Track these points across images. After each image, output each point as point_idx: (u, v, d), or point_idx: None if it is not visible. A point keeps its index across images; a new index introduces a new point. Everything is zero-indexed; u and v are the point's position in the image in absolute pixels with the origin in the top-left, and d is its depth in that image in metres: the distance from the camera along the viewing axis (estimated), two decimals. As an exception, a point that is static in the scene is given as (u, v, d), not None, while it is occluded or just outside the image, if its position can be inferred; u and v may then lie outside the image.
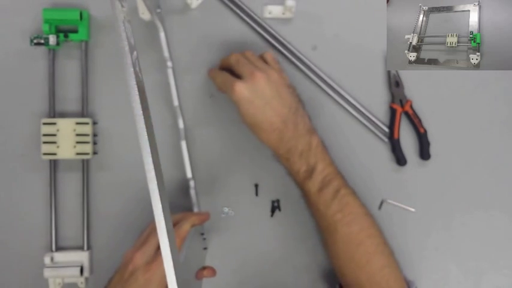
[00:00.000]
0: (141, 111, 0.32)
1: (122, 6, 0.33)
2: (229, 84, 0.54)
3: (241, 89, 0.53)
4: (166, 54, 0.63)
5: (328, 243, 0.59)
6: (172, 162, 0.64)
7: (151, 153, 0.31)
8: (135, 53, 0.34)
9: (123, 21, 0.33)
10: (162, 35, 0.62)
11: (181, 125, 0.63)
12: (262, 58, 0.59)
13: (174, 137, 0.64)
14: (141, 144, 0.31)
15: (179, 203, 0.64)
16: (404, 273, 0.60)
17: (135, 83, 0.32)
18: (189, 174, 0.64)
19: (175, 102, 0.63)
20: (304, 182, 0.58)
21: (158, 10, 0.62)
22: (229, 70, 0.58)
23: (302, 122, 0.57)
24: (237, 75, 0.56)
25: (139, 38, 0.64)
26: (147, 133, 0.31)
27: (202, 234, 0.58)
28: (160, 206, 0.31)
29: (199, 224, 0.55)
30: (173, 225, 0.52)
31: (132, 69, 0.32)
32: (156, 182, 0.31)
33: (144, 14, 0.61)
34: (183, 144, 0.63)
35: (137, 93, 0.32)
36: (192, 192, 0.64)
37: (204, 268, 0.59)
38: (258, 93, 0.54)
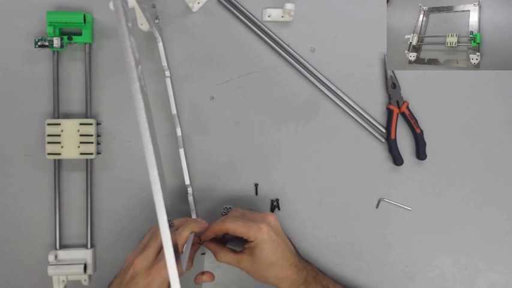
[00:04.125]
0: (147, 125, 0.32)
1: (127, 21, 0.33)
2: (253, 225, 0.54)
3: (268, 228, 0.54)
4: (164, 63, 0.63)
5: None
6: (171, 169, 0.65)
7: (157, 165, 0.32)
8: (139, 67, 0.34)
9: (129, 36, 0.33)
10: (160, 45, 0.63)
11: (179, 133, 0.64)
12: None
13: (173, 145, 0.65)
14: (146, 156, 0.31)
15: (178, 209, 0.65)
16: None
17: (141, 97, 0.32)
18: (187, 181, 0.64)
19: (174, 111, 0.64)
20: None
21: (157, 21, 0.63)
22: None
23: (297, 252, 0.60)
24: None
25: (138, 49, 0.64)
26: (153, 145, 0.31)
27: (200, 240, 0.58)
28: (165, 217, 0.31)
29: (198, 231, 0.55)
30: None
31: (138, 83, 0.32)
32: (161, 194, 0.31)
33: (143, 25, 0.62)
34: (181, 151, 0.64)
35: (143, 107, 0.32)
36: (190, 198, 0.64)
37: (202, 273, 0.59)
38: (277, 233, 0.55)
